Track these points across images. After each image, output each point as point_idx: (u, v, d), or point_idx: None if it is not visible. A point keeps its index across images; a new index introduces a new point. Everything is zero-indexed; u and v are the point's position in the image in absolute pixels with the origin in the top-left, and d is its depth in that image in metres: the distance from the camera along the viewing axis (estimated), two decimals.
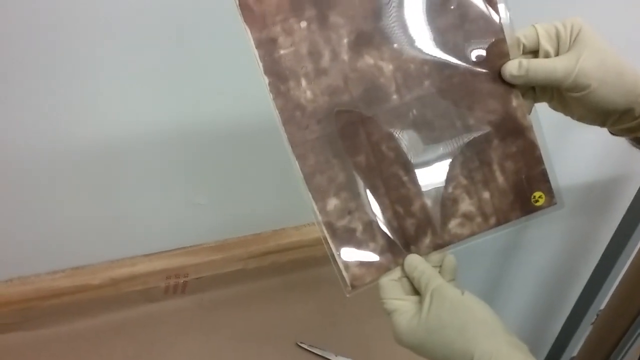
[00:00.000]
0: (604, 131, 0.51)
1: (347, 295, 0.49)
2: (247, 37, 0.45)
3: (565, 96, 0.47)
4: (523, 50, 0.47)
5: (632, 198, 1.00)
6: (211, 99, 0.71)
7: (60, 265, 0.78)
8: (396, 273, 0.49)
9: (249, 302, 0.85)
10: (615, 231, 1.05)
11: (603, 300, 1.19)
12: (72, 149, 0.69)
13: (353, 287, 0.49)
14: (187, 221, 0.83)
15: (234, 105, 0.73)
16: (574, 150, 0.95)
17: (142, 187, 0.77)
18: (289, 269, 0.89)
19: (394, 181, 0.49)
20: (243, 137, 0.76)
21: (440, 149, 0.49)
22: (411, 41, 0.46)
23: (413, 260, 0.49)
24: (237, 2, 0.44)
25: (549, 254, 1.23)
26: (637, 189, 0.99)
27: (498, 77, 0.48)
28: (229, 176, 0.80)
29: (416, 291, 0.48)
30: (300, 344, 0.78)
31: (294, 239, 0.88)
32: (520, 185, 0.50)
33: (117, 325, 0.79)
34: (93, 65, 0.63)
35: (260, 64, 0.45)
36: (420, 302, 0.46)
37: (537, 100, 0.50)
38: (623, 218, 1.03)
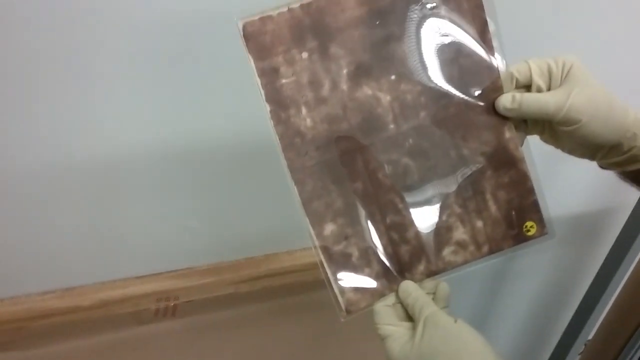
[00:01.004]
0: (593, 163, 0.52)
1: (342, 320, 0.50)
2: (250, 66, 0.46)
3: (557, 130, 0.48)
4: (516, 85, 0.49)
5: (620, 229, 1.01)
6: (205, 124, 0.72)
7: (51, 286, 0.78)
8: (390, 299, 0.50)
9: (240, 326, 0.85)
10: (604, 262, 1.06)
11: (591, 331, 1.19)
12: (64, 171, 0.69)
13: (348, 312, 0.49)
14: (179, 244, 0.83)
15: (228, 130, 0.73)
16: (564, 181, 0.97)
17: (134, 209, 0.76)
18: (280, 293, 0.89)
19: (389, 208, 0.50)
20: (236, 161, 0.76)
21: (435, 178, 0.50)
22: (408, 73, 0.48)
23: (407, 286, 0.49)
24: (242, 33, 0.46)
25: (538, 282, 1.24)
26: (625, 220, 1.00)
27: (492, 109, 0.49)
28: (221, 200, 0.81)
29: (410, 317, 0.49)
30: None
31: (286, 264, 0.88)
32: (513, 215, 0.51)
33: (107, 346, 0.78)
34: (87, 85, 0.64)
35: (262, 92, 0.47)
36: (414, 328, 0.47)
37: (529, 132, 0.51)
38: (611, 249, 1.04)
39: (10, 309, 0.75)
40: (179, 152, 0.73)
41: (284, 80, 0.47)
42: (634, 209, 0.97)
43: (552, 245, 1.12)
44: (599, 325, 1.16)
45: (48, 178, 0.69)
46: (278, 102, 0.47)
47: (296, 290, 0.89)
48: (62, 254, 0.77)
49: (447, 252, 0.51)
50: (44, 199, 0.71)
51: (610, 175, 0.54)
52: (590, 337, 1.21)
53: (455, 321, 0.45)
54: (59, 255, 0.77)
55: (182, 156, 0.73)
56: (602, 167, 0.52)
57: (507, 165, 0.50)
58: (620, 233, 1.01)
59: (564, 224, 1.08)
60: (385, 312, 0.48)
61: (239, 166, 0.77)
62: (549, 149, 0.52)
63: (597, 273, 1.08)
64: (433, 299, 0.49)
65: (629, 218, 0.99)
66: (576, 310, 1.18)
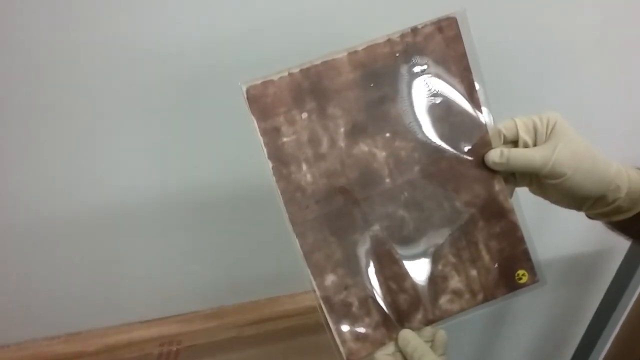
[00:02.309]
0: None
1: None
2: (252, 126, 0.49)
3: (543, 182, 0.50)
4: (504, 140, 0.51)
5: (615, 271, 1.02)
6: (208, 169, 0.74)
7: (56, 331, 0.79)
8: (390, 348, 0.51)
9: None
10: (600, 303, 1.07)
11: None
12: (68, 218, 0.71)
13: None
14: (182, 288, 0.84)
15: (229, 177, 0.75)
16: (559, 225, 0.98)
17: (138, 255, 0.78)
18: (283, 336, 0.89)
19: (387, 259, 0.52)
20: (238, 207, 0.78)
21: (430, 229, 0.52)
22: (402, 131, 0.51)
23: (406, 335, 0.51)
24: (245, 96, 0.49)
25: (535, 325, 1.23)
26: (619, 262, 1.01)
27: (482, 163, 0.52)
28: (223, 244, 0.82)
29: None
30: None
31: (288, 307, 0.89)
32: (505, 264, 0.53)
33: None
34: (92, 133, 0.66)
35: (265, 150, 0.50)
36: None
37: (517, 185, 0.54)
38: (607, 290, 1.05)
39: (16, 355, 0.76)
40: (182, 199, 0.75)
41: (285, 139, 0.50)
42: (628, 250, 0.98)
43: (550, 288, 1.13)
44: None
45: (52, 225, 0.71)
46: (280, 159, 0.50)
47: (299, 333, 0.89)
48: (68, 299, 0.78)
49: (443, 300, 0.53)
50: (49, 245, 0.72)
51: None
52: None
53: None
54: (65, 301, 0.78)
55: (184, 203, 0.75)
56: (590, 217, 0.54)
57: (497, 216, 0.53)
58: (616, 274, 1.03)
59: (560, 266, 1.09)
60: None
61: (241, 212, 0.79)
62: None
63: (594, 315, 1.09)
64: (431, 346, 0.51)
65: (623, 259, 1.00)
66: (574, 352, 1.18)
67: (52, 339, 0.78)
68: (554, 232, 0.98)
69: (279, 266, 0.85)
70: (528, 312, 1.18)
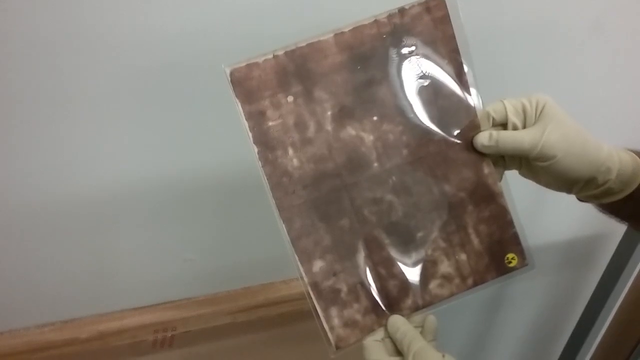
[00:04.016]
0: None
1: (332, 357, 0.51)
2: (237, 110, 0.48)
3: (533, 165, 0.50)
4: (492, 123, 0.50)
5: (611, 255, 1.02)
6: (202, 157, 0.74)
7: (49, 318, 0.79)
8: (379, 334, 0.51)
9: (237, 356, 0.85)
10: (596, 287, 1.07)
11: (585, 357, 1.19)
12: (62, 204, 0.70)
13: (338, 347, 0.50)
14: (176, 275, 0.83)
15: (224, 163, 0.75)
16: (554, 210, 0.98)
17: (131, 242, 0.77)
18: (278, 322, 0.89)
19: (376, 244, 0.51)
20: (232, 193, 0.77)
21: (419, 214, 0.52)
22: (389, 114, 0.50)
23: (396, 321, 0.50)
24: (229, 79, 0.48)
25: (532, 309, 1.23)
26: (615, 246, 1.01)
27: (470, 147, 0.51)
28: (217, 231, 0.81)
29: (399, 352, 0.50)
30: None
31: (283, 293, 0.89)
32: (494, 248, 0.53)
33: None
34: (83, 120, 0.66)
35: (250, 135, 0.49)
36: None
37: (507, 168, 0.53)
38: (603, 274, 1.04)
39: (9, 342, 0.75)
40: (175, 186, 0.74)
41: (270, 123, 0.49)
42: (624, 234, 0.98)
43: (545, 273, 1.13)
44: (593, 351, 1.16)
45: (45, 214, 0.70)
46: (265, 143, 0.49)
47: (293, 319, 0.89)
48: (60, 286, 0.77)
49: (433, 285, 0.52)
50: (42, 233, 0.72)
51: None
52: None
53: (443, 356, 0.46)
54: (57, 288, 0.77)
55: (178, 189, 0.75)
56: (580, 199, 0.53)
57: (487, 199, 0.52)
58: (612, 258, 1.02)
59: (555, 252, 1.09)
60: (375, 347, 0.49)
61: (234, 198, 0.78)
62: None
63: (590, 300, 1.09)
64: (421, 332, 0.50)
65: (619, 244, 1.00)
66: (570, 337, 1.18)
67: (45, 326, 0.78)
68: (550, 218, 0.98)
69: (273, 252, 0.85)
70: (523, 297, 1.19)
